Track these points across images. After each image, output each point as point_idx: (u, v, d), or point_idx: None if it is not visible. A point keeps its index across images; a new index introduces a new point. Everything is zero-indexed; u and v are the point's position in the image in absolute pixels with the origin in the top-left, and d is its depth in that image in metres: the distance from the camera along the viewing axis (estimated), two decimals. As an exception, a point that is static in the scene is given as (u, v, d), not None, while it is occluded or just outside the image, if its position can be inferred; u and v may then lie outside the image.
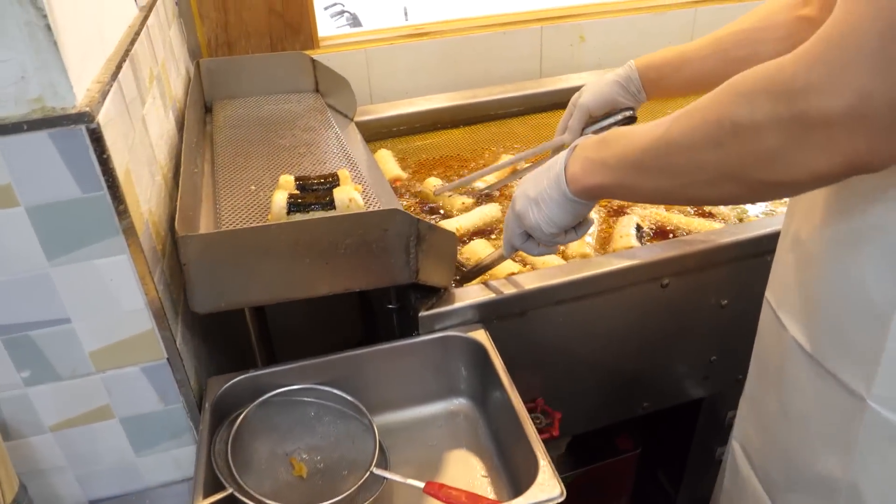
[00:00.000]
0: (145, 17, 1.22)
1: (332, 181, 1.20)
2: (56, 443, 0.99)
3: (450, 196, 1.56)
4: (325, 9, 4.00)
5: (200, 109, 1.68)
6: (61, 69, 0.71)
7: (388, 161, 1.74)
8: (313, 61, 1.71)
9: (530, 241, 1.05)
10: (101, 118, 0.77)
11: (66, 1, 0.76)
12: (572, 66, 2.21)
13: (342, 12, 4.07)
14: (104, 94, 0.82)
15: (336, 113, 1.82)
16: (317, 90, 1.75)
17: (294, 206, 1.12)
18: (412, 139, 1.91)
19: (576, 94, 1.34)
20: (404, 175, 1.70)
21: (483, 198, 1.60)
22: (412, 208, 1.53)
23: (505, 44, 2.07)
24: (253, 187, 1.32)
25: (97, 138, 0.76)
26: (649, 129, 0.80)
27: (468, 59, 2.06)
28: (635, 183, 0.83)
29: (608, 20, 2.15)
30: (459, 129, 1.93)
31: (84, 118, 0.74)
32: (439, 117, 2.01)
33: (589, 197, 0.92)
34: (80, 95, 0.76)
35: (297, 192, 1.18)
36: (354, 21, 4.05)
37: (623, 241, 1.36)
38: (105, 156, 0.76)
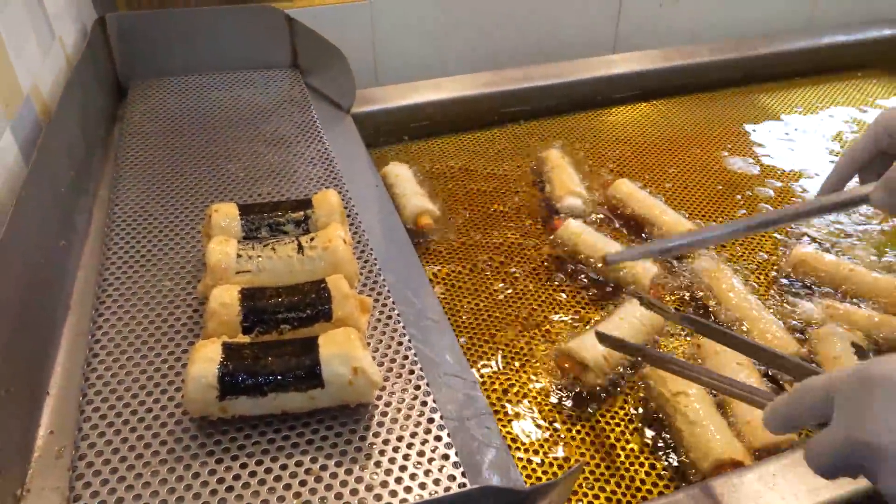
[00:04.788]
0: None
1: (315, 304, 0.59)
2: None
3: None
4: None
5: (98, 100, 1.04)
6: None
7: (405, 185, 1.11)
8: (290, 21, 1.17)
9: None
10: None
11: None
12: (658, 33, 1.58)
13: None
14: None
15: (324, 102, 1.20)
16: (295, 65, 1.15)
17: (231, 385, 0.52)
18: (436, 143, 1.30)
19: None
20: (436, 210, 1.07)
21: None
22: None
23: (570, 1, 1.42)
24: (168, 283, 0.70)
25: None
26: None
27: (518, 22, 1.50)
28: None
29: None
30: (506, 128, 1.38)
31: None
32: (476, 108, 1.38)
33: None
34: None
35: (242, 333, 0.57)
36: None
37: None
38: None
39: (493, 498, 0.44)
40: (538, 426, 0.76)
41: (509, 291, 0.95)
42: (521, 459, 0.73)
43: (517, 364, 0.84)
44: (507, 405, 0.79)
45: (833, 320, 0.86)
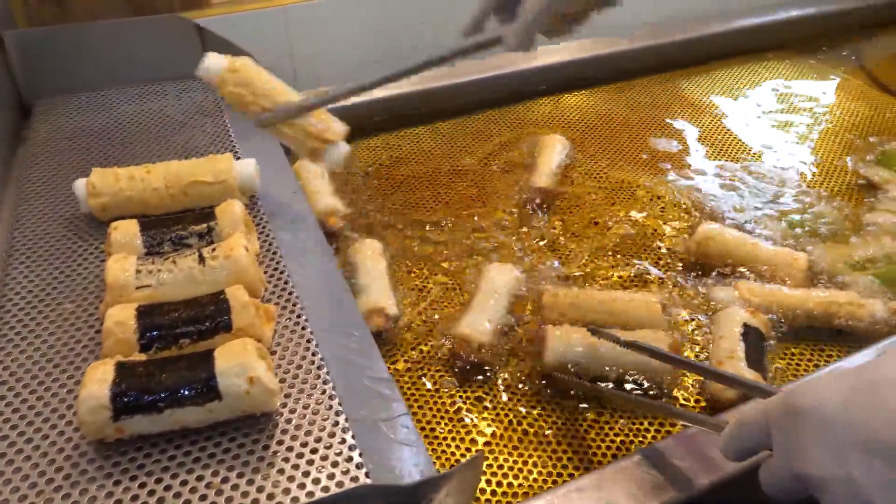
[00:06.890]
0: None
1: (214, 316, 0.59)
2: None
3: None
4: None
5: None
6: None
7: (316, 182, 1.09)
8: (200, 30, 1.16)
9: None
10: None
11: None
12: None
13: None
14: None
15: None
16: (209, 75, 1.10)
17: (124, 404, 0.51)
18: (362, 144, 1.29)
19: None
20: (341, 208, 1.06)
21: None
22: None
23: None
24: (70, 305, 0.68)
25: None
26: None
27: (437, 21, 1.50)
28: None
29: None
30: (439, 125, 1.38)
31: None
32: (404, 108, 1.37)
33: None
34: None
35: (140, 351, 0.56)
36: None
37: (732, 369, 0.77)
38: None
39: (382, 496, 0.44)
40: (451, 415, 0.77)
41: (414, 285, 0.96)
42: (444, 453, 0.73)
43: (420, 358, 0.85)
44: (428, 404, 0.79)
45: (740, 299, 0.89)
